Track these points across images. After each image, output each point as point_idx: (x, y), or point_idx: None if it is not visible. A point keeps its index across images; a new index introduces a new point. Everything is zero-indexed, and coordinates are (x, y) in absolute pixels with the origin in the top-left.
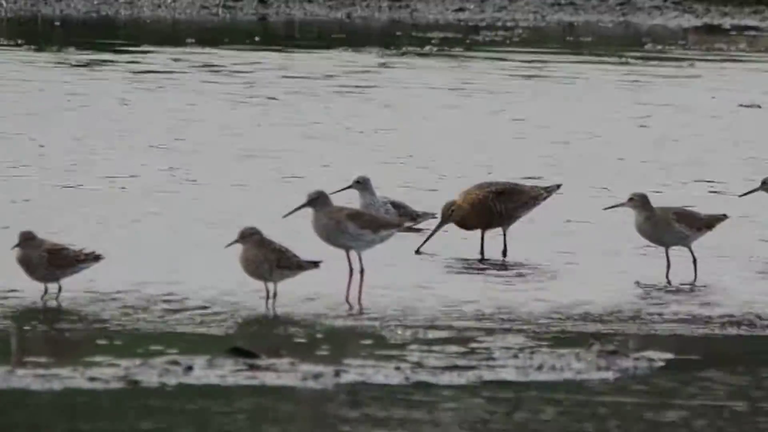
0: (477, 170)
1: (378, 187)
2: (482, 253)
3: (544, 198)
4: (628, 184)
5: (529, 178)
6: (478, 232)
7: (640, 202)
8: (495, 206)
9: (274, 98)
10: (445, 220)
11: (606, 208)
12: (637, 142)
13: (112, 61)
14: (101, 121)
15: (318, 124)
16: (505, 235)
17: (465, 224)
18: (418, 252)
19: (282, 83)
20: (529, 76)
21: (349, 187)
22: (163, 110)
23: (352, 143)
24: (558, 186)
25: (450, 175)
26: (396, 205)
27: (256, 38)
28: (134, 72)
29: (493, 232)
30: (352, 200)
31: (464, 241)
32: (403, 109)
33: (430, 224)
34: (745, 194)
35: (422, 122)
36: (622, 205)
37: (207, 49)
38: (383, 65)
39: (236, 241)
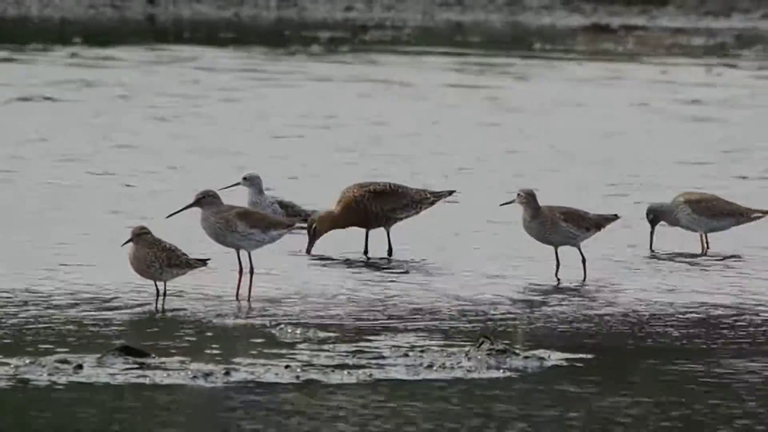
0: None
1: (268, 187)
2: (366, 251)
3: (431, 202)
4: (520, 184)
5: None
6: (362, 230)
7: (526, 199)
8: (370, 206)
9: (164, 94)
10: (312, 238)
11: (502, 204)
12: (527, 141)
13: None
14: None
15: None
16: (388, 234)
17: (339, 226)
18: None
19: (179, 79)
20: (418, 74)
21: (237, 183)
22: (56, 108)
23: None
24: (450, 192)
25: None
26: (284, 205)
27: (160, 37)
28: (26, 69)
29: (377, 231)
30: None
31: (351, 241)
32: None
33: None
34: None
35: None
36: (509, 202)
37: (96, 48)
38: (273, 61)
39: (129, 240)
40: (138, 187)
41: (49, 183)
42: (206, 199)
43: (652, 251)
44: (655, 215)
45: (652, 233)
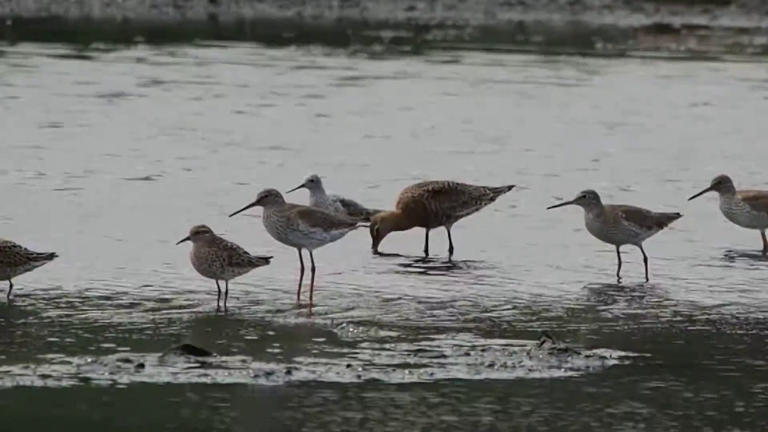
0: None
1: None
2: (426, 251)
3: (491, 198)
4: (579, 184)
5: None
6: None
7: (589, 200)
8: (429, 205)
9: (222, 95)
10: (375, 239)
11: (551, 207)
12: (591, 142)
13: (62, 57)
14: (54, 118)
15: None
16: (449, 233)
17: (401, 228)
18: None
19: (240, 80)
20: (484, 78)
21: (302, 186)
22: (116, 108)
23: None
24: (510, 187)
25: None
26: (345, 203)
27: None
28: (87, 69)
29: (438, 231)
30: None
31: (412, 240)
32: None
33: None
34: (695, 196)
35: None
36: (570, 203)
37: (158, 47)
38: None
39: (187, 239)
40: (207, 183)
41: (132, 181)
42: (268, 198)
43: (688, 199)
44: (720, 185)
45: (701, 192)
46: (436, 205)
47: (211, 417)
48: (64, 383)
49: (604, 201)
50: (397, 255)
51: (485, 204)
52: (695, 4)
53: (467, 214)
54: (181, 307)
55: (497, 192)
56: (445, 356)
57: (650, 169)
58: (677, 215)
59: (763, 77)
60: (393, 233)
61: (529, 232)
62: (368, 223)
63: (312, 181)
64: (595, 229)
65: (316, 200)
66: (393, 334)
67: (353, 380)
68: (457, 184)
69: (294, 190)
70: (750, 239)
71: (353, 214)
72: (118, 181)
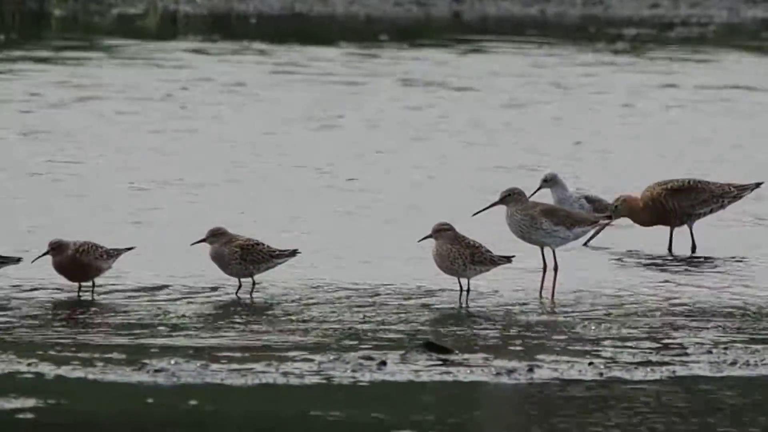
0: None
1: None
2: (670, 248)
3: (735, 196)
4: None
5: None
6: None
7: None
8: (667, 203)
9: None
10: (609, 216)
11: None
12: None
13: (304, 58)
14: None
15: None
16: (691, 230)
17: (638, 220)
18: (586, 245)
19: (481, 77)
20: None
21: (539, 188)
22: (317, 104)
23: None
24: (758, 184)
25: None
26: (590, 200)
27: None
28: (326, 70)
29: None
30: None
31: (654, 238)
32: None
33: (625, 219)
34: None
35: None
36: None
37: (401, 45)
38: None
39: (429, 236)
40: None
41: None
42: (511, 197)
43: None
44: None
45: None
46: (675, 203)
47: (453, 415)
48: (307, 381)
49: None
50: (640, 253)
51: (729, 202)
52: None
53: (710, 211)
54: (423, 304)
55: (742, 189)
56: (687, 354)
57: None
58: None
59: None
60: (636, 227)
61: None
62: (610, 222)
63: (546, 180)
64: None
65: (558, 197)
66: (635, 331)
67: (595, 378)
68: (699, 181)
69: (533, 194)
70: None
71: (599, 210)
72: (349, 177)
